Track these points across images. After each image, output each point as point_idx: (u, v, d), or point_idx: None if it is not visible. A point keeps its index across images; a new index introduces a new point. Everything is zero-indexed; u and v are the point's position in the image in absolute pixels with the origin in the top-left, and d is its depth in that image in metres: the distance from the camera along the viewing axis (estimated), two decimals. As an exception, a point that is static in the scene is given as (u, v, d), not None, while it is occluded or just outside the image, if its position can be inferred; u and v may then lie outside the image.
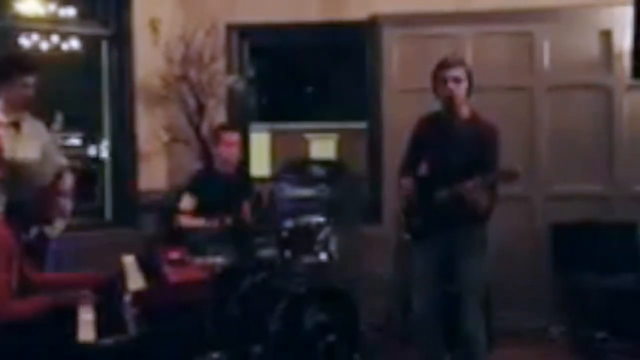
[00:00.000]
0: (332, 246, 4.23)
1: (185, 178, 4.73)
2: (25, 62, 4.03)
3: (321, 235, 4.21)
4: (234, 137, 4.62)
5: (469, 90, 3.75)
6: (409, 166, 3.99)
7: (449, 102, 3.72)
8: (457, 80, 3.69)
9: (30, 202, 3.11)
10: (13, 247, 2.86)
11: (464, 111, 3.77)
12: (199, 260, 3.87)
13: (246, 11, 5.40)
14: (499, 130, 3.78)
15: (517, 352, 4.66)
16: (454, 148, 3.71)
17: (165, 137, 5.27)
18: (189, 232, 4.41)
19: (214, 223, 4.28)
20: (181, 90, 5.18)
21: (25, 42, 5.28)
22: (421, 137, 3.93)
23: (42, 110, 4.17)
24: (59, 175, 3.68)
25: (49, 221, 3.80)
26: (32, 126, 3.98)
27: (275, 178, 5.35)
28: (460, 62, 3.81)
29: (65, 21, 5.25)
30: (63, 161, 4.17)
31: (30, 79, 3.88)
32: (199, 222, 4.40)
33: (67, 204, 3.86)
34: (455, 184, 3.62)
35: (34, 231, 3.64)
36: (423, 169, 3.96)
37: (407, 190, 3.83)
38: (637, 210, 5.00)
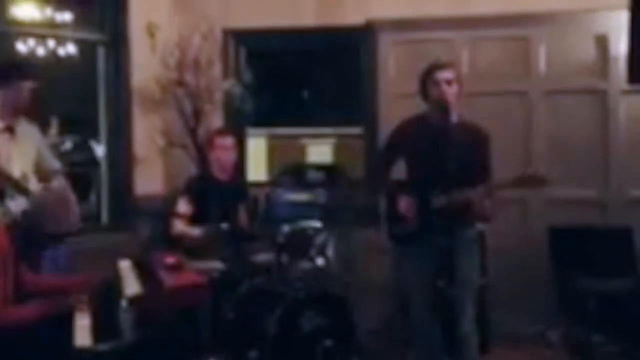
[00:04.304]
0: (329, 251, 4.23)
1: (182, 183, 4.72)
2: (24, 68, 4.04)
3: (318, 240, 4.21)
4: (227, 141, 4.61)
5: (459, 94, 3.75)
6: (383, 167, 3.98)
7: (442, 104, 3.71)
8: (449, 82, 3.70)
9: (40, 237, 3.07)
10: (8, 252, 2.85)
11: (454, 115, 3.76)
12: (195, 265, 3.87)
13: (242, 16, 5.41)
14: (490, 133, 3.79)
15: (514, 356, 4.67)
16: (448, 152, 3.68)
17: (161, 142, 5.27)
18: (184, 239, 4.41)
19: (209, 232, 4.27)
20: (178, 95, 5.19)
21: (21, 47, 5.29)
22: (403, 140, 3.90)
23: (39, 114, 4.17)
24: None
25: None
26: (26, 130, 3.99)
27: (272, 183, 5.34)
28: (451, 65, 3.81)
29: (61, 26, 5.26)
30: (57, 165, 4.17)
31: (28, 85, 3.89)
32: (194, 230, 4.39)
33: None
34: (453, 190, 3.61)
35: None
36: (404, 173, 3.94)
37: (408, 212, 3.79)
38: (632, 214, 5.01)
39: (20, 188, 3.70)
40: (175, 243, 4.36)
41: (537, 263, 5.02)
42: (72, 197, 3.13)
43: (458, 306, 3.72)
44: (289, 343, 3.73)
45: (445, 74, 3.71)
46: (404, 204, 3.77)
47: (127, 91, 5.23)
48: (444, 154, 3.68)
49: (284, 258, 4.13)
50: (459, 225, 3.71)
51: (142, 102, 5.28)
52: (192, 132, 5.20)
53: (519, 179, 3.62)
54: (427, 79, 3.76)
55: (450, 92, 3.69)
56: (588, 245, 4.87)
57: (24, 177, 3.84)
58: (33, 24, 5.11)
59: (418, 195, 3.75)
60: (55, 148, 4.40)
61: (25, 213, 3.02)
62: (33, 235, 2.95)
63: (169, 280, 3.36)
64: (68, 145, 5.92)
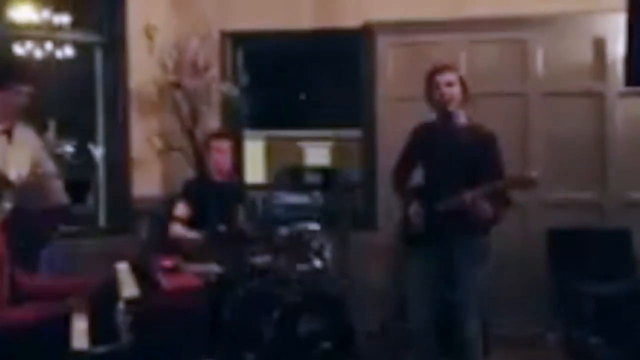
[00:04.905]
0: (327, 253, 4.22)
1: (180, 185, 4.72)
2: (21, 71, 4.03)
3: (315, 243, 4.20)
4: (224, 144, 4.60)
5: (464, 96, 3.75)
6: (401, 174, 4.00)
7: (443, 107, 3.72)
8: (449, 84, 3.70)
9: (31, 222, 3.08)
10: (4, 253, 2.85)
11: (460, 118, 3.77)
12: (193, 268, 3.86)
13: (240, 18, 5.41)
14: (497, 136, 3.79)
15: (513, 358, 4.66)
16: (452, 156, 3.71)
17: (159, 144, 5.27)
18: (182, 242, 4.40)
19: (206, 235, 4.26)
20: (175, 97, 5.18)
21: (19, 49, 5.28)
22: (416, 146, 3.93)
23: (36, 117, 4.16)
24: (64, 210, 3.66)
25: (42, 241, 3.79)
26: (22, 133, 3.98)
27: (269, 185, 5.35)
28: (451, 67, 3.82)
29: (59, 28, 5.25)
30: (53, 168, 4.16)
31: (25, 88, 3.88)
32: (192, 233, 4.38)
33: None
34: (457, 193, 3.62)
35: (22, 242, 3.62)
36: (417, 179, 3.97)
37: (415, 218, 3.81)
38: (630, 217, 5.01)
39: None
40: (173, 246, 4.35)
41: (535, 266, 5.02)
42: (50, 173, 3.16)
43: (461, 310, 3.72)
44: (286, 346, 3.73)
45: (445, 77, 3.72)
46: (412, 210, 3.79)
47: (125, 93, 5.23)
48: (448, 157, 3.69)
49: (282, 260, 4.12)
50: (465, 231, 3.70)
51: (139, 105, 5.27)
52: (190, 134, 5.19)
53: (510, 181, 3.64)
54: (429, 83, 3.78)
55: (451, 93, 3.70)
56: (586, 247, 4.87)
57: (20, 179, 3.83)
58: (31, 27, 5.11)
59: (427, 199, 3.76)
60: (52, 151, 4.38)
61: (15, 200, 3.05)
62: (25, 217, 2.96)
63: (166, 282, 3.35)
64: (66, 148, 5.91)
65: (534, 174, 3.64)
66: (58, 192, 3.83)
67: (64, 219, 3.88)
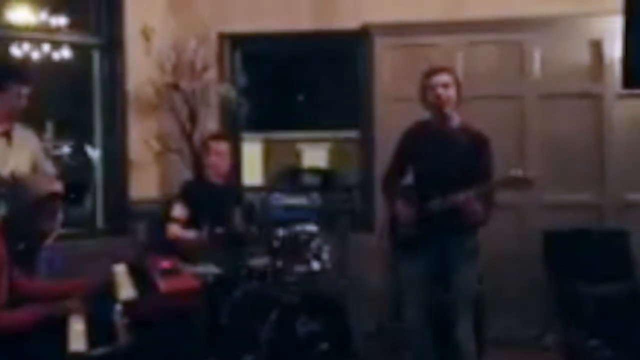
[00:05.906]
0: (324, 255, 4.23)
1: (177, 187, 4.71)
2: (21, 73, 4.03)
3: (313, 244, 4.21)
4: (222, 146, 4.60)
5: (458, 98, 3.76)
6: (393, 175, 4.00)
7: (439, 108, 3.73)
8: (445, 85, 3.71)
9: (26, 216, 3.08)
10: (2, 256, 2.84)
11: (455, 120, 3.79)
12: (190, 269, 3.86)
13: (238, 20, 5.41)
14: (490, 139, 3.80)
15: (511, 360, 4.68)
16: (447, 156, 3.72)
17: (156, 146, 5.26)
18: (179, 242, 4.40)
19: (204, 236, 4.26)
20: (173, 99, 5.18)
21: (16, 51, 5.28)
22: (409, 146, 3.93)
23: (34, 119, 4.16)
24: (54, 196, 3.65)
25: (43, 237, 3.78)
26: (21, 135, 3.98)
27: (267, 187, 5.34)
28: (447, 69, 3.83)
29: (56, 30, 5.25)
30: (52, 169, 4.16)
31: (25, 90, 3.88)
32: (190, 234, 4.38)
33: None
34: (449, 194, 3.62)
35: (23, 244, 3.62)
36: (409, 178, 3.97)
37: (403, 216, 3.80)
38: (628, 218, 5.02)
39: None
40: (170, 247, 4.35)
41: (533, 267, 5.01)
42: (49, 175, 3.14)
43: (454, 312, 3.73)
44: (284, 347, 3.73)
45: (441, 78, 3.73)
46: (400, 208, 3.79)
47: (123, 95, 5.23)
48: (443, 158, 3.70)
49: (279, 262, 4.12)
50: (457, 231, 3.71)
51: (137, 106, 5.27)
52: (188, 136, 5.19)
53: (507, 180, 3.64)
54: (424, 85, 3.79)
55: (446, 95, 3.71)
56: (584, 249, 4.87)
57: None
58: (28, 28, 5.11)
59: (419, 199, 3.76)
60: (50, 152, 4.39)
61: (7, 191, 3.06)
62: (23, 212, 2.96)
63: (164, 284, 3.35)
64: (63, 149, 5.92)
65: (531, 174, 3.66)
66: (45, 175, 3.81)
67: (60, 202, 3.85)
